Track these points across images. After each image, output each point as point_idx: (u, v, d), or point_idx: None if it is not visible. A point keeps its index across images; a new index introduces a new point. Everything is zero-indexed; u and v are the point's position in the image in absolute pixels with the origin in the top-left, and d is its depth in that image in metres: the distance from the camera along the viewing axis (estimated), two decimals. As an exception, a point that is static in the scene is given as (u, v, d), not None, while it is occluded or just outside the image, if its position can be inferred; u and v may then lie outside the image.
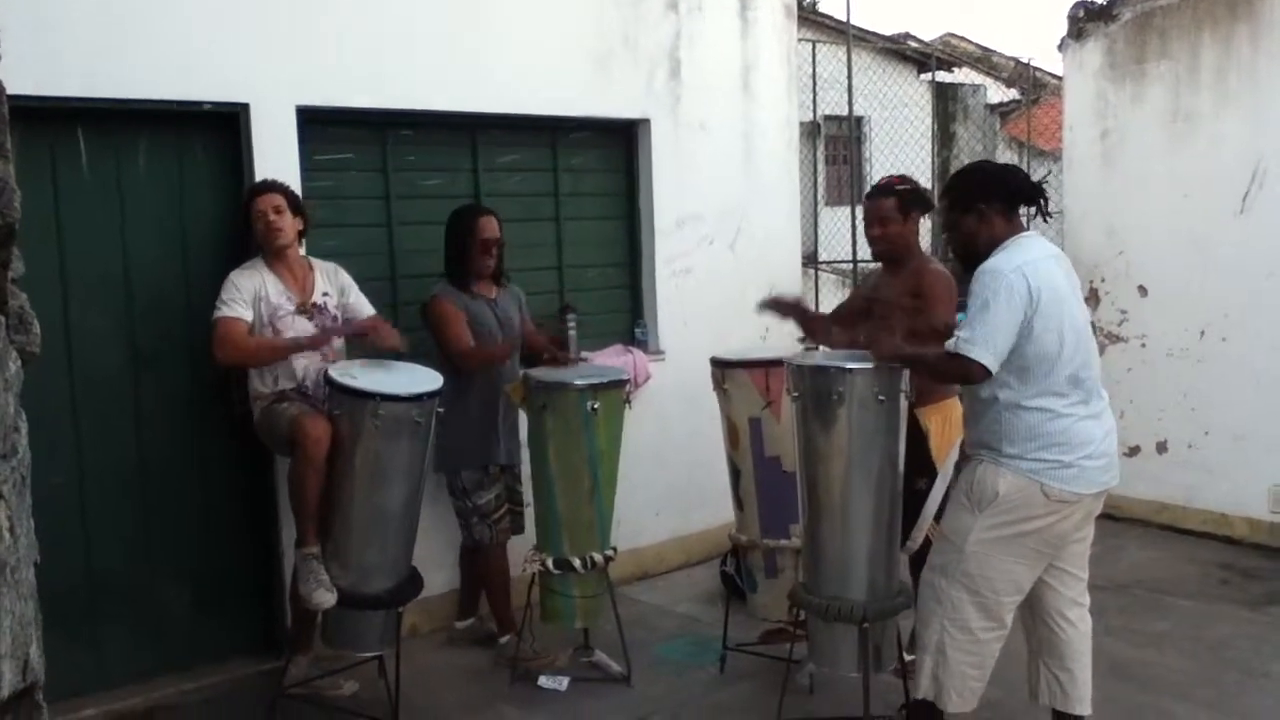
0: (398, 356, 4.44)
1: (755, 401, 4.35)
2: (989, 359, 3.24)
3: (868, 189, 4.62)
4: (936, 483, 4.11)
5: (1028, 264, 3.29)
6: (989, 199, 3.44)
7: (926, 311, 4.01)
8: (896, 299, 4.14)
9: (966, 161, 13.50)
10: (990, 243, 3.43)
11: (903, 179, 4.35)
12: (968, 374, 3.31)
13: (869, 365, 3.56)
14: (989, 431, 3.40)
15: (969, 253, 3.52)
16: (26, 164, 3.86)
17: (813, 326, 4.34)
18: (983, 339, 3.23)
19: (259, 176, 4.35)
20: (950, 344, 3.32)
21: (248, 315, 4.05)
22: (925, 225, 4.48)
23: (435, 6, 4.89)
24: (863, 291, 4.64)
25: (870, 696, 3.69)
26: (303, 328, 4.17)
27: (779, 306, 4.26)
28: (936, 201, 3.75)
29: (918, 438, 4.01)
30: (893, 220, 4.21)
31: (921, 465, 4.05)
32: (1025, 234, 3.44)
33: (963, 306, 3.47)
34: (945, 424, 4.12)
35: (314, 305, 4.23)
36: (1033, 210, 3.52)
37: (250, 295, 4.07)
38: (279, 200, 4.16)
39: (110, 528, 4.32)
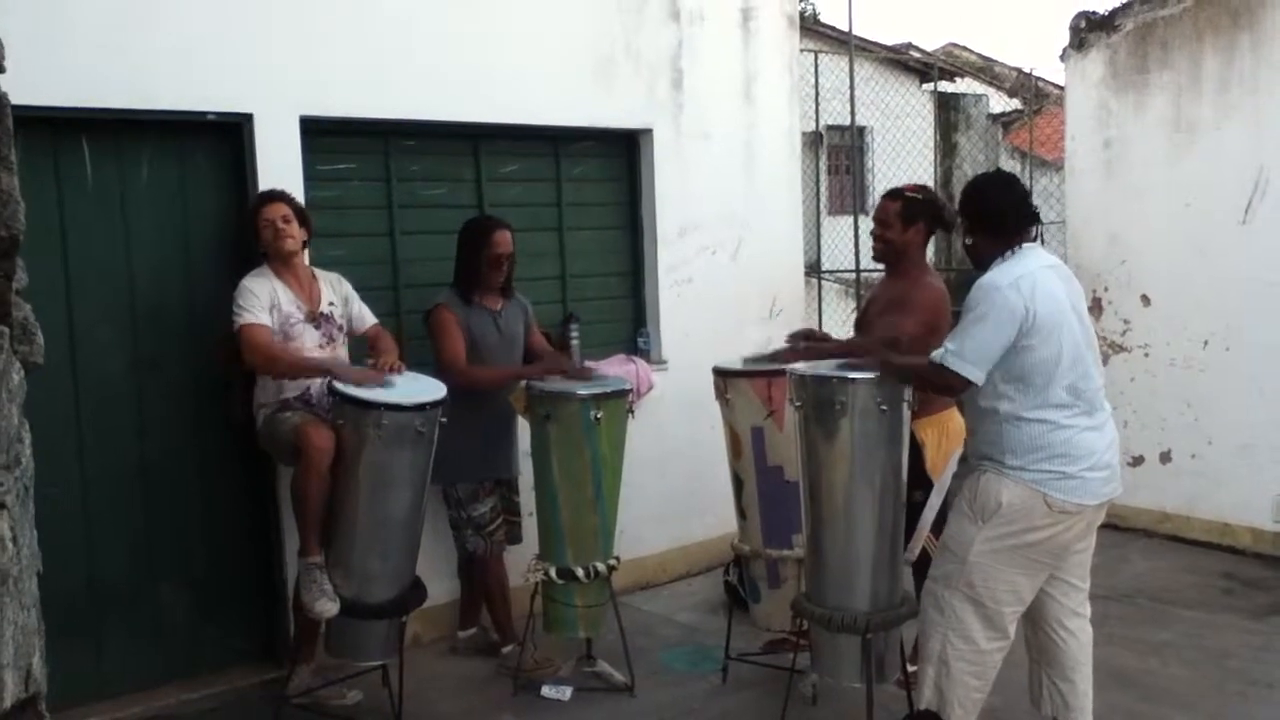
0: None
1: (758, 411, 4.35)
2: (970, 371, 3.27)
3: (870, 199, 4.69)
4: (933, 494, 4.12)
5: (1024, 277, 3.30)
6: (973, 216, 3.51)
7: (902, 317, 4.05)
8: (885, 307, 4.19)
9: (969, 171, 13.52)
10: (987, 253, 3.47)
11: (919, 188, 4.39)
12: (948, 384, 3.38)
13: (871, 375, 3.57)
14: (991, 443, 3.40)
15: (972, 259, 3.61)
16: (30, 174, 3.87)
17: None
18: (969, 352, 3.27)
19: (262, 186, 4.37)
20: (936, 354, 3.35)
21: (269, 321, 4.08)
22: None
23: (438, 17, 4.90)
24: (868, 305, 4.66)
25: (873, 707, 3.69)
26: (311, 336, 4.21)
27: (801, 350, 4.33)
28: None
29: (913, 450, 4.01)
30: (892, 224, 4.24)
31: (917, 477, 4.05)
32: (1025, 245, 3.44)
33: (956, 316, 3.50)
34: (941, 437, 4.13)
35: (321, 315, 4.26)
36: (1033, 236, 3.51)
37: (266, 300, 4.10)
38: (286, 210, 4.20)
39: (112, 536, 4.32)
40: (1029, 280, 3.29)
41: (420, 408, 3.94)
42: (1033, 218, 3.49)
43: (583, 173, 5.66)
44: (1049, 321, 3.28)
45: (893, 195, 4.33)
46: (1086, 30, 6.70)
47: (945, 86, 14.26)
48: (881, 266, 4.58)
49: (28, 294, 1.64)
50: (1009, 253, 3.41)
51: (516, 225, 4.75)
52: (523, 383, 4.48)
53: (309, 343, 4.19)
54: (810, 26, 12.03)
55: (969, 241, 3.57)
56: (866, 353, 3.69)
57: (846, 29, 9.08)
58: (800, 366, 3.86)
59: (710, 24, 5.88)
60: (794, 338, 4.46)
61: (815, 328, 5.16)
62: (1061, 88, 7.63)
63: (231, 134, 4.45)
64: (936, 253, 11.31)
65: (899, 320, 4.05)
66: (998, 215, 3.46)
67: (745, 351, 4.85)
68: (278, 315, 4.12)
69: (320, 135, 4.69)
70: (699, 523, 5.82)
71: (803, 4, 13.93)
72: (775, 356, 4.30)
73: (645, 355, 5.80)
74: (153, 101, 4.20)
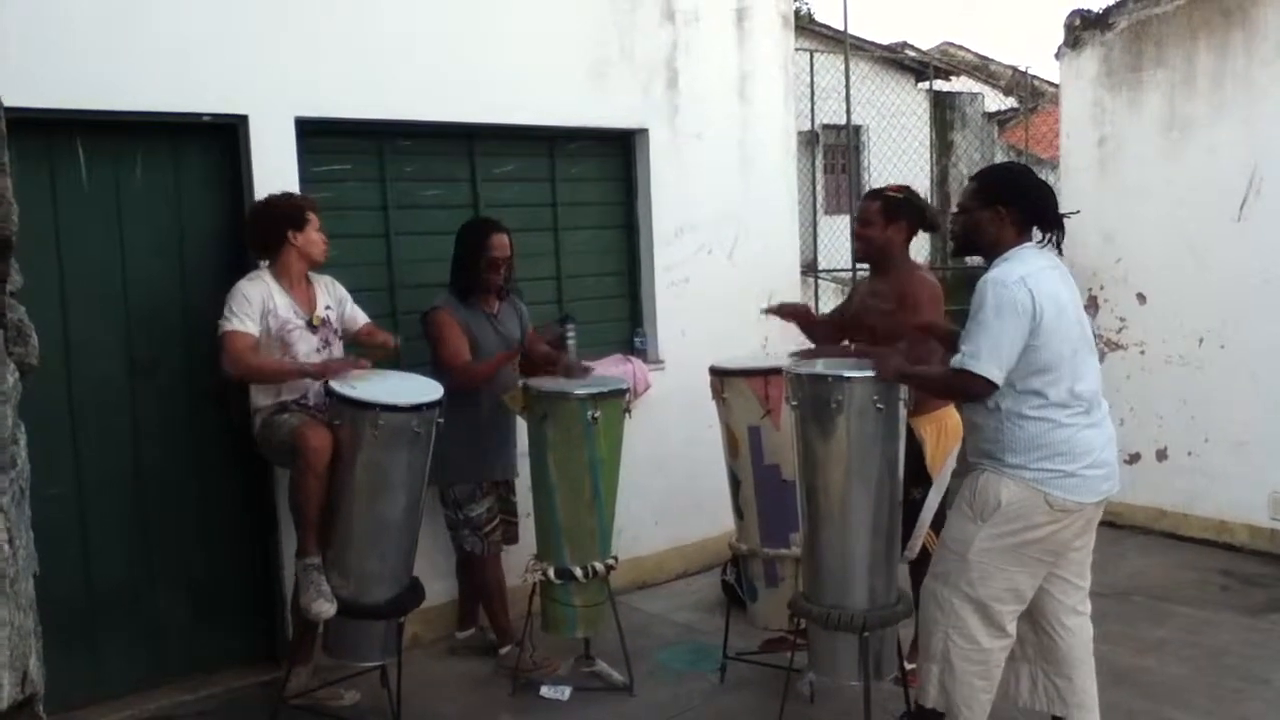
0: (396, 365, 4.45)
1: (754, 410, 4.35)
2: (994, 373, 3.23)
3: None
4: (931, 491, 4.13)
5: (1030, 275, 3.28)
6: (1011, 204, 3.42)
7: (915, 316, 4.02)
8: (881, 305, 4.17)
9: (965, 170, 13.52)
10: (993, 244, 3.43)
11: (901, 188, 4.37)
12: (972, 390, 3.29)
13: (867, 373, 3.57)
14: (991, 441, 3.39)
15: (968, 242, 3.55)
16: (25, 175, 3.87)
17: (816, 333, 4.54)
18: (987, 353, 3.22)
19: (258, 188, 4.36)
20: (955, 360, 3.32)
21: (256, 329, 4.06)
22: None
23: (433, 18, 4.90)
24: (854, 298, 4.65)
25: (870, 705, 3.69)
26: (309, 342, 4.20)
27: (782, 312, 4.52)
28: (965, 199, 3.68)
29: (913, 447, 4.01)
30: (873, 223, 4.24)
31: (917, 475, 4.05)
32: (1027, 245, 3.43)
33: (962, 315, 3.47)
34: (940, 433, 4.13)
35: (320, 319, 4.26)
36: (1046, 238, 3.48)
37: (259, 307, 4.08)
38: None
39: (109, 538, 4.32)
40: (1034, 279, 3.28)
41: (417, 408, 3.94)
42: (1061, 224, 3.47)
43: (578, 172, 5.65)
44: (1054, 321, 3.26)
45: (873, 195, 4.37)
46: (1081, 28, 6.71)
47: (941, 85, 14.27)
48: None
49: (22, 296, 1.64)
50: (1011, 252, 3.40)
51: (512, 225, 4.74)
52: (520, 383, 4.48)
53: (306, 348, 4.18)
54: (805, 25, 12.03)
55: (985, 227, 3.43)
56: (881, 365, 3.57)
57: (842, 28, 9.09)
58: (796, 365, 3.86)
59: (705, 24, 5.89)
60: (783, 310, 4.52)
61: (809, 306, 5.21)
62: (1056, 86, 7.64)
63: (227, 135, 4.44)
64: (932, 252, 11.32)
65: (914, 320, 4.00)
66: (1039, 213, 3.42)
67: (741, 353, 4.86)
68: (274, 321, 4.10)
69: (315, 136, 4.69)
70: (696, 522, 5.83)
71: (797, 3, 13.95)
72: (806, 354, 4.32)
73: (642, 355, 5.80)
74: (148, 103, 4.19)
